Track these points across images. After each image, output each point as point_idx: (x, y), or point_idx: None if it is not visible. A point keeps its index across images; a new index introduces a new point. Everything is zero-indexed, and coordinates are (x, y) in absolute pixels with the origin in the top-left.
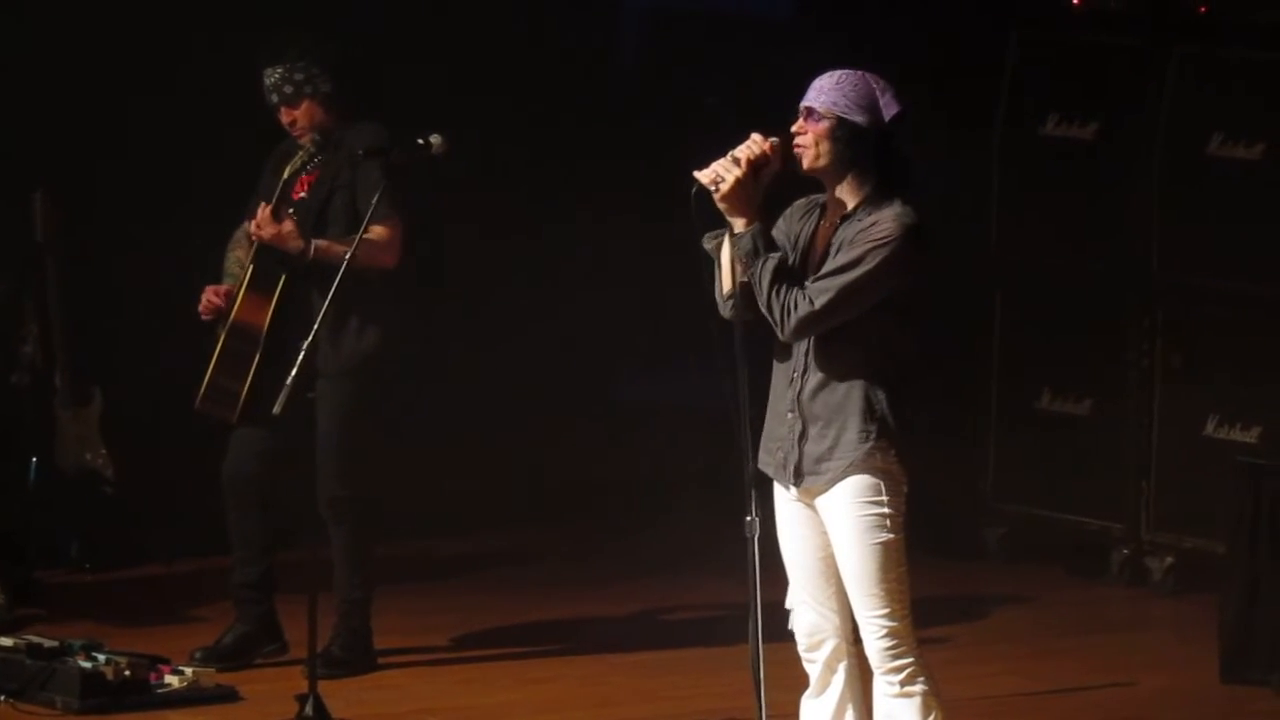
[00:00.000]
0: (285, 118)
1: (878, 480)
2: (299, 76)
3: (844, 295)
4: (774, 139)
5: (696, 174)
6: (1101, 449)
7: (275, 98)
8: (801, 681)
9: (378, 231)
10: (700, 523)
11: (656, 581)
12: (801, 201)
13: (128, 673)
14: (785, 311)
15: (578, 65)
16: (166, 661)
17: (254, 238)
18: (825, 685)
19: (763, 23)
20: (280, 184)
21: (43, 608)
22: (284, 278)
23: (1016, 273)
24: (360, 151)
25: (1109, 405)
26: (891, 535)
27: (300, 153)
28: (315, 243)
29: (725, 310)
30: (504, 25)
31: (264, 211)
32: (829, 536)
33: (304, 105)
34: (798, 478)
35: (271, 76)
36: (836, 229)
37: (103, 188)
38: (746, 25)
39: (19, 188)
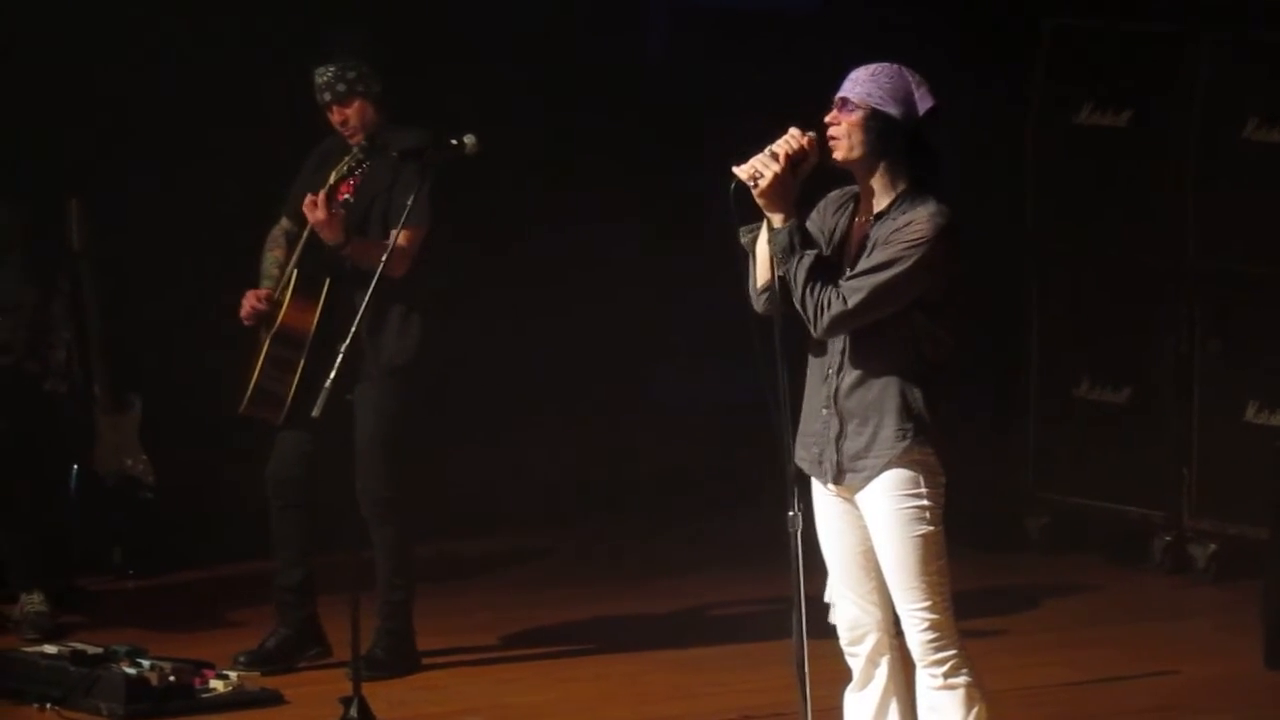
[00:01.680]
0: (336, 117)
1: (916, 473)
2: (351, 75)
3: (877, 295)
4: (811, 133)
5: (735, 169)
6: (1142, 436)
7: (327, 96)
8: (843, 676)
9: (403, 236)
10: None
11: (695, 578)
12: (835, 194)
13: (172, 678)
14: (819, 309)
15: (606, 60)
16: (210, 666)
17: (305, 210)
18: (868, 679)
19: (791, 15)
20: (327, 187)
21: (86, 615)
22: (328, 282)
23: (1053, 262)
24: (395, 153)
25: (1148, 393)
26: (931, 527)
27: (348, 157)
28: (353, 239)
29: (759, 304)
30: (531, 20)
31: (319, 195)
32: (868, 531)
33: (356, 104)
34: (836, 475)
35: (324, 75)
36: (871, 225)
37: (137, 193)
38: (774, 18)
39: (54, 194)
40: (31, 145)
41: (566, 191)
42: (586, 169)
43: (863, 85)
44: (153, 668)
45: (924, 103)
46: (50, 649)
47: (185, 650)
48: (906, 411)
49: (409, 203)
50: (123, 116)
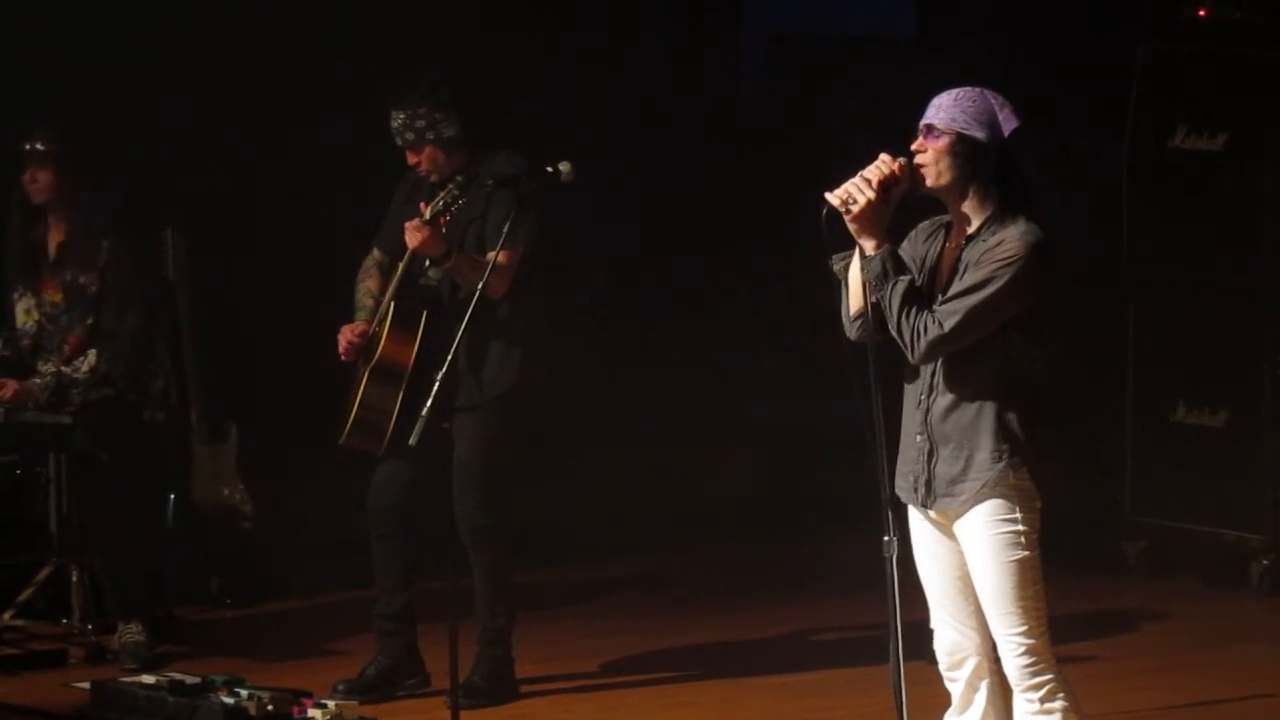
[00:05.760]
0: (411, 159)
1: (1011, 499)
2: (420, 123)
3: (972, 317)
4: (903, 159)
5: (827, 195)
6: (1238, 460)
7: (399, 140)
8: (942, 701)
9: (501, 256)
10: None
11: (794, 604)
12: (926, 223)
13: (270, 707)
14: (915, 334)
15: (702, 86)
16: (309, 695)
17: (407, 234)
18: (968, 704)
19: (887, 43)
20: (425, 219)
21: (184, 644)
22: (425, 314)
23: (1149, 286)
24: (490, 181)
25: (1244, 416)
26: (1026, 552)
27: (443, 193)
28: (455, 252)
29: (852, 331)
30: (629, 50)
31: (417, 221)
32: (965, 555)
33: (426, 150)
34: (931, 499)
35: (396, 120)
36: (962, 249)
37: (233, 223)
38: (870, 46)
39: (150, 225)
40: (129, 178)
41: (662, 217)
42: (681, 195)
43: (947, 111)
44: (251, 697)
45: (1009, 124)
46: (149, 679)
47: (283, 679)
48: (1002, 433)
49: (505, 227)
50: (218, 147)
